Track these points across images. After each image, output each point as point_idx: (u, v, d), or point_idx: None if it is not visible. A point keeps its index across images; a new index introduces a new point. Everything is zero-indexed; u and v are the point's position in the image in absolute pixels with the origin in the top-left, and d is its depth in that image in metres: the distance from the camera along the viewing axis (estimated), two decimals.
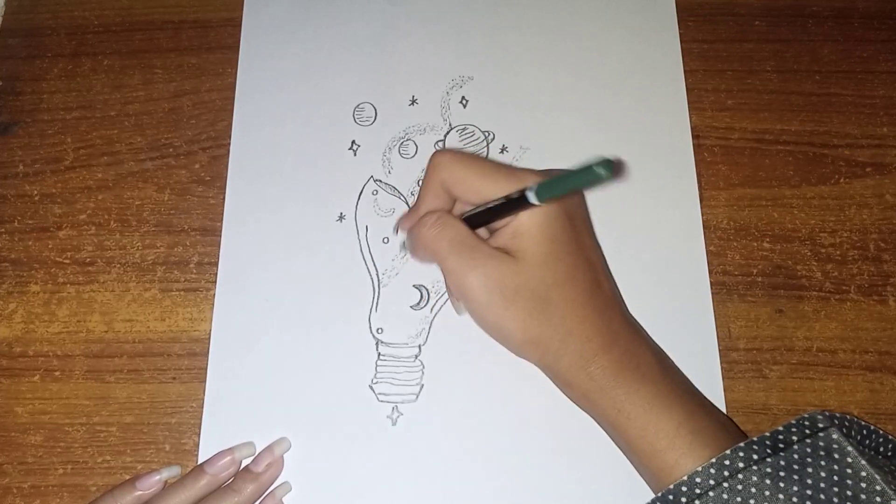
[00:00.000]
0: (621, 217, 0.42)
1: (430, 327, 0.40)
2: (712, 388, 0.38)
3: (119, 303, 0.41)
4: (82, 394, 0.39)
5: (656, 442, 0.31)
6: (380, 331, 0.40)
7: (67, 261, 0.42)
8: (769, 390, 0.39)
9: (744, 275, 0.41)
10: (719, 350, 0.39)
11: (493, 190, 0.33)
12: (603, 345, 0.33)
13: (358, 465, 0.37)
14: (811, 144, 0.44)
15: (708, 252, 0.41)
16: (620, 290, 0.40)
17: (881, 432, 0.32)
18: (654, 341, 0.36)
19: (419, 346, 0.39)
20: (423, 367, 0.39)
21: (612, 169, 0.27)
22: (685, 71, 0.45)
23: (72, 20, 0.48)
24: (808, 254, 0.41)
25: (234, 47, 0.46)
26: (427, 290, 0.41)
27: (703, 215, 0.42)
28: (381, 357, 0.39)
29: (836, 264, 0.41)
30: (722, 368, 0.39)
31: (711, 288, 0.40)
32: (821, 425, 0.29)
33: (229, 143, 0.44)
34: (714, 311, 0.40)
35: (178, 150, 0.44)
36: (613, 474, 0.36)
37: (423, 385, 0.39)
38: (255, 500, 0.36)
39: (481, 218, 0.34)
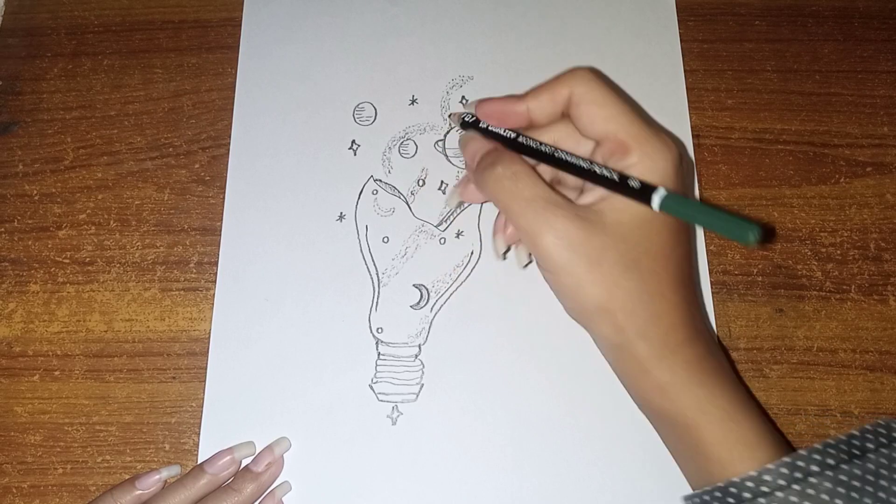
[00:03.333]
0: None
1: (430, 327, 0.40)
2: None
3: (119, 302, 0.41)
4: (82, 393, 0.39)
5: (734, 449, 0.29)
6: (380, 330, 0.40)
7: (67, 260, 0.42)
8: (769, 390, 0.39)
9: (744, 274, 0.41)
10: None
11: (620, 129, 0.30)
12: (688, 337, 0.30)
13: (358, 465, 0.37)
14: (811, 144, 0.44)
15: (708, 252, 0.41)
16: None
17: None
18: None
19: (419, 346, 0.39)
20: (423, 366, 0.39)
21: (758, 241, 0.26)
22: (685, 71, 0.45)
23: (72, 20, 0.48)
24: (809, 253, 0.41)
25: (234, 47, 0.46)
26: (427, 289, 0.40)
27: None
28: (381, 357, 0.39)
29: (837, 264, 0.41)
30: None
31: (711, 288, 0.40)
32: None
33: (229, 143, 0.44)
34: (714, 311, 0.40)
35: (177, 150, 0.44)
36: (613, 474, 0.36)
37: (423, 385, 0.39)
38: (255, 500, 0.36)
39: (577, 171, 0.30)
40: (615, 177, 0.29)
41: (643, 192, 0.28)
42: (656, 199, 0.28)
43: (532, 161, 0.33)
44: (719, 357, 0.32)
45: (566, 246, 0.29)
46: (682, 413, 0.30)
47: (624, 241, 0.29)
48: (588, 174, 0.30)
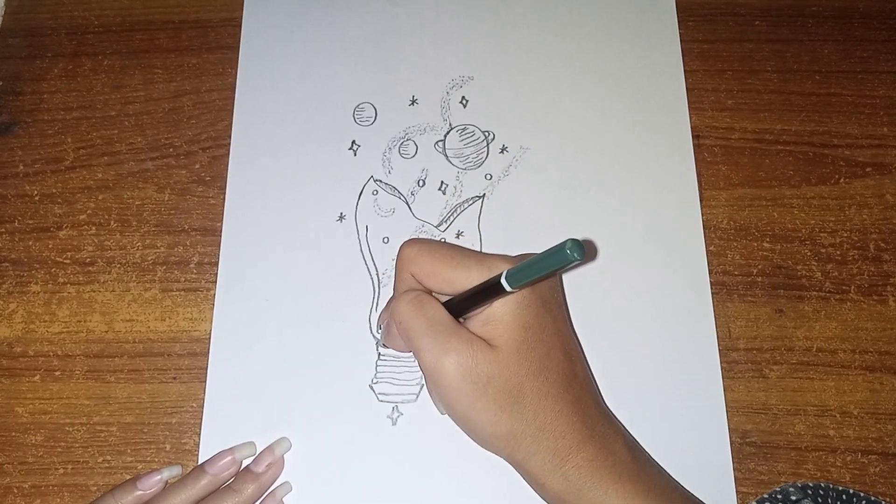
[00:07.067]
0: (622, 217, 0.42)
1: None
2: (712, 388, 0.38)
3: (119, 303, 0.41)
4: (83, 393, 0.39)
5: None
6: (380, 331, 0.40)
7: (68, 261, 0.42)
8: (769, 390, 0.39)
9: (744, 275, 0.41)
10: (719, 350, 0.39)
11: (466, 279, 0.31)
12: (578, 441, 0.31)
13: (358, 465, 0.37)
14: (811, 144, 0.44)
15: (708, 252, 0.41)
16: (621, 292, 0.40)
17: (862, 495, 0.32)
18: (627, 431, 0.35)
19: None
20: None
21: (583, 250, 0.26)
22: (685, 71, 0.45)
23: (72, 20, 0.48)
24: (808, 254, 0.41)
25: (235, 47, 0.46)
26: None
27: (703, 215, 0.42)
28: (382, 357, 0.39)
29: (836, 264, 0.41)
30: (722, 368, 0.39)
31: (711, 288, 0.40)
32: (793, 498, 0.29)
33: (229, 143, 0.44)
34: (714, 311, 0.40)
35: (178, 150, 0.44)
36: None
37: (423, 385, 0.39)
38: (256, 500, 0.36)
39: (455, 308, 0.32)
40: (474, 290, 0.31)
41: (498, 287, 0.30)
42: (503, 281, 0.29)
43: None
44: (618, 451, 0.32)
45: (459, 371, 0.30)
46: None
47: (507, 368, 0.31)
48: (461, 305, 0.32)
